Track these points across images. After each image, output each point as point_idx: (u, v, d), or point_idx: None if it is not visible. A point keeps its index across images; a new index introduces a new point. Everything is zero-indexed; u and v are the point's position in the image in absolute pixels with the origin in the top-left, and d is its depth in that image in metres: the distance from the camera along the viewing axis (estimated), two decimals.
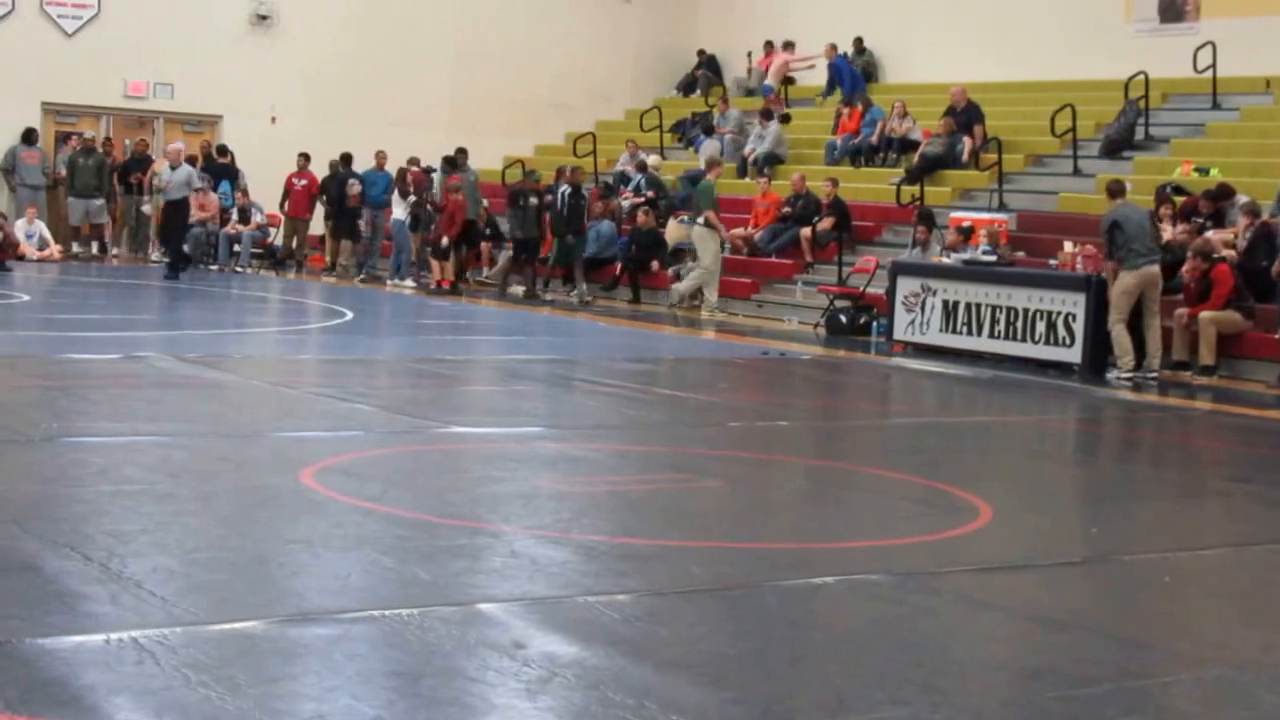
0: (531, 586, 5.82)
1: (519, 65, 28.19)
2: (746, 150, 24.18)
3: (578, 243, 21.38)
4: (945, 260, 17.25)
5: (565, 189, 21.25)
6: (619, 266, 21.80)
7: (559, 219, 21.26)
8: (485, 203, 23.61)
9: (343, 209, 24.28)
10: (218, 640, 4.88)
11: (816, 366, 15.54)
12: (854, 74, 25.48)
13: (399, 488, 7.71)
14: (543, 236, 21.81)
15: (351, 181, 24.10)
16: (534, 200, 21.66)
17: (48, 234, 23.58)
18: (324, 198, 24.68)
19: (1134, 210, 15.23)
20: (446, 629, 5.12)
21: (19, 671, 4.43)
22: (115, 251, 24.93)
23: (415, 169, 24.05)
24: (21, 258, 22.21)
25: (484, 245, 23.31)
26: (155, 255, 23.86)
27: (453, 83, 27.71)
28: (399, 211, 23.02)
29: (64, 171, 24.45)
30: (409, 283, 22.32)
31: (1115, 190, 15.48)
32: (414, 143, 24.78)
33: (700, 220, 20.19)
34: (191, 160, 25.12)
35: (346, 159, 24.44)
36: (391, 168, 24.11)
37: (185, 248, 23.06)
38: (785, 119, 24.67)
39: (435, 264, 22.04)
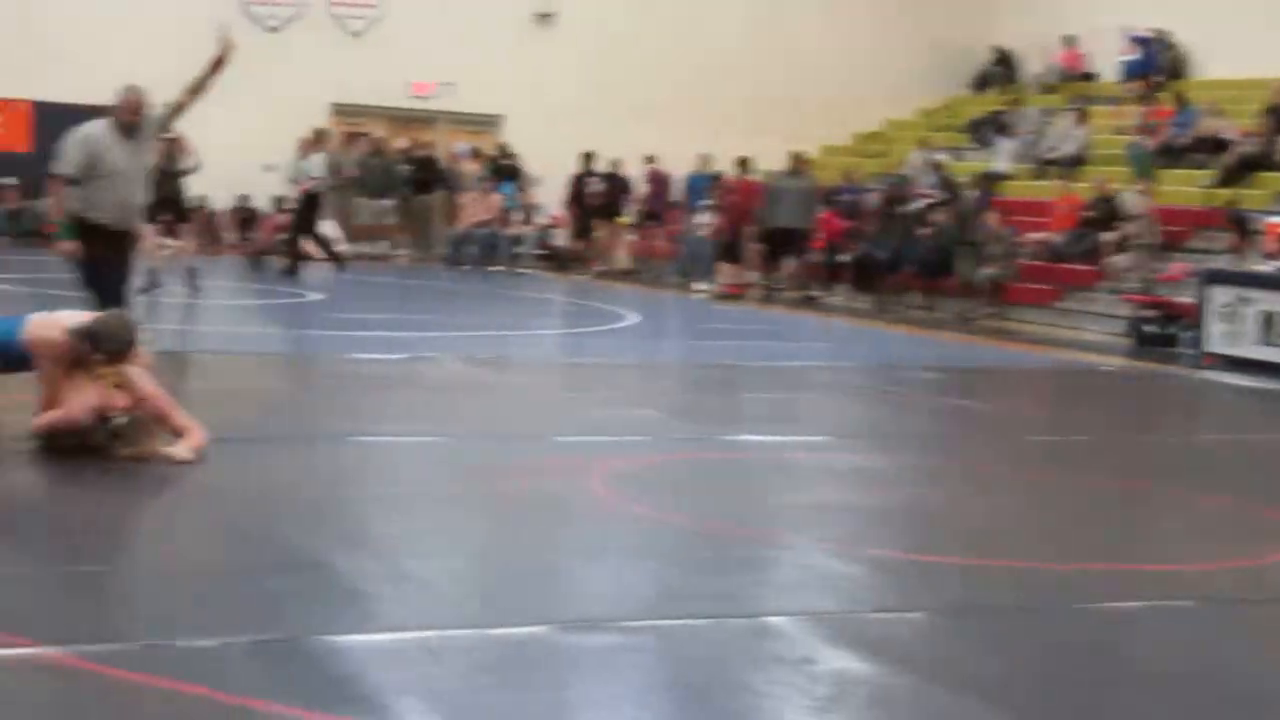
0: (822, 601, 5.67)
1: (807, 63, 27.75)
2: (1046, 149, 23.49)
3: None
4: (1263, 268, 16.42)
5: (971, 194, 20.66)
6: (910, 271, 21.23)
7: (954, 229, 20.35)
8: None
9: (583, 208, 24.42)
10: (503, 644, 4.87)
11: (1120, 379, 14.97)
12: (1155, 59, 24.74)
13: (686, 496, 7.63)
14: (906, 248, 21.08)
15: (589, 180, 24.22)
16: (908, 209, 20.96)
17: (336, 234, 24.13)
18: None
19: None
20: (734, 641, 5.01)
21: (310, 667, 4.48)
22: (402, 252, 25.50)
23: (653, 167, 24.27)
24: (309, 258, 22.84)
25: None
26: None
27: (739, 81, 27.39)
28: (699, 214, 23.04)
29: (353, 172, 25.12)
30: (702, 286, 22.23)
31: None
32: (699, 143, 24.70)
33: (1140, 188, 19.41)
34: (495, 161, 25.69)
35: (588, 158, 24.55)
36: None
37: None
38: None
39: (723, 268, 21.95)
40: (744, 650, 4.94)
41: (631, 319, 17.79)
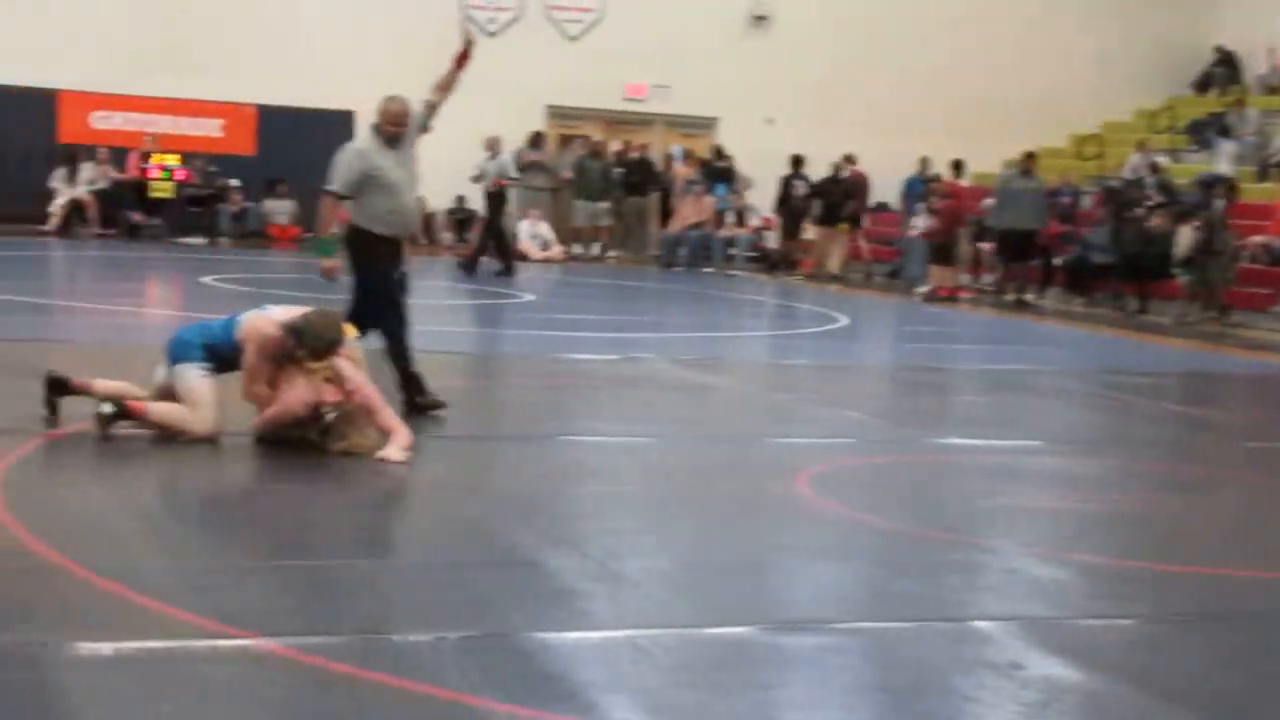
0: (1029, 606, 5.61)
1: (1017, 64, 27.28)
2: (1273, 151, 22.75)
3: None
4: None
5: (1220, 203, 20.15)
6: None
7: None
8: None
9: (791, 211, 24.37)
10: (710, 644, 4.91)
11: None
12: None
13: (892, 498, 7.61)
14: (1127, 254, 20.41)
15: (796, 183, 24.17)
16: (1139, 210, 20.43)
17: (550, 235, 24.58)
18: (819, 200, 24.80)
19: None
20: (941, 645, 4.99)
21: (521, 664, 4.56)
22: (615, 253, 25.73)
23: (854, 168, 24.10)
24: (524, 258, 23.18)
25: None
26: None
27: (948, 84, 27.04)
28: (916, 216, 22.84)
29: (569, 174, 25.42)
30: (921, 288, 21.96)
31: None
32: (910, 145, 24.54)
33: None
34: (709, 164, 25.81)
35: (797, 161, 24.48)
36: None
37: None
38: None
39: (934, 270, 21.71)
40: (950, 654, 4.91)
41: (842, 321, 17.69)
